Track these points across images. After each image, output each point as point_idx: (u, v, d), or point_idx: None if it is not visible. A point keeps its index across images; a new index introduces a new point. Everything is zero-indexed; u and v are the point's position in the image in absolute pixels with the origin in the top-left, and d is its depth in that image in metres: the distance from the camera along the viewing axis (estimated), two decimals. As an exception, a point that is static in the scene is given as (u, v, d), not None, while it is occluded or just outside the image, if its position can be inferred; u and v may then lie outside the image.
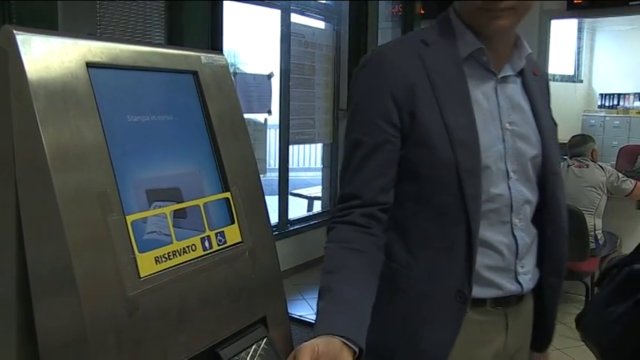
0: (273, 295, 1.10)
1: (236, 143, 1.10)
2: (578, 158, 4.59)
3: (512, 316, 1.29)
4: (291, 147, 5.39)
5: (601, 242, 4.34)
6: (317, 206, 6.01)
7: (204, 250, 0.97)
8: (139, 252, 0.87)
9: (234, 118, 1.11)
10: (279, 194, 5.25)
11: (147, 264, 0.87)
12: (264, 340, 1.04)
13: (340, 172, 1.24)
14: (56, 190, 0.79)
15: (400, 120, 1.18)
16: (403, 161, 1.21)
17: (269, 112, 5.08)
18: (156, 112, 0.98)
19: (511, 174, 1.23)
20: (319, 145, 6.27)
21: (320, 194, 6.07)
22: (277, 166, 5.35)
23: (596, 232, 4.30)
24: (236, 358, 0.98)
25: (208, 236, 0.99)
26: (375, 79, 1.19)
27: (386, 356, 1.17)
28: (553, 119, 1.36)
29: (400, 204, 1.22)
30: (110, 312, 0.82)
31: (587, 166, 4.50)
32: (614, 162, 5.54)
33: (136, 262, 0.86)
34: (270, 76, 5.02)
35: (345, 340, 0.98)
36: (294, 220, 5.41)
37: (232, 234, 1.03)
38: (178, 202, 0.96)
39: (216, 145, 1.06)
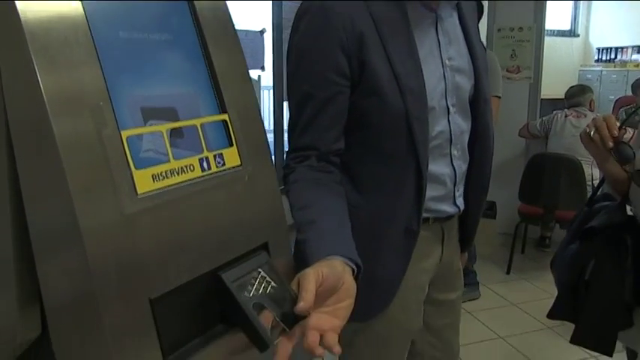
0: (275, 222, 1.08)
1: (232, 66, 1.06)
2: (576, 109, 4.56)
3: (447, 229, 1.43)
4: (286, 105, 5.32)
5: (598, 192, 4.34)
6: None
7: (202, 171, 0.94)
8: (136, 169, 0.83)
9: (229, 40, 1.07)
10: (274, 154, 5.22)
11: (144, 181, 0.84)
12: (267, 266, 1.02)
13: (289, 124, 1.25)
14: (46, 103, 0.75)
15: (350, 70, 1.18)
16: (352, 109, 1.22)
17: (262, 68, 5.01)
18: (150, 29, 0.94)
19: (451, 109, 1.30)
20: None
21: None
22: (272, 128, 5.31)
23: (594, 181, 4.29)
24: (238, 282, 0.96)
25: (207, 157, 0.95)
26: (321, 29, 1.18)
27: None
28: (482, 43, 1.40)
29: (349, 149, 1.26)
30: (108, 232, 0.79)
31: (585, 116, 4.47)
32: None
33: (132, 178, 0.83)
34: (262, 32, 4.94)
35: (345, 260, 0.98)
36: (290, 179, 5.38)
37: (231, 157, 1.00)
38: (174, 122, 0.92)
39: (212, 67, 1.02)
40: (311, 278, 0.92)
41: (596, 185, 4.25)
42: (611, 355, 1.61)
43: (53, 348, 0.82)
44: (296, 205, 1.16)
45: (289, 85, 1.24)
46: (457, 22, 1.34)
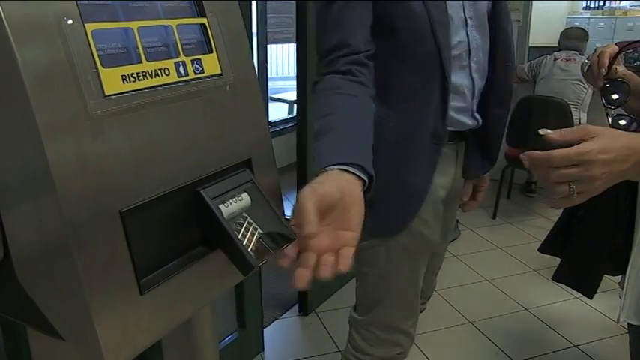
0: (258, 138, 1.00)
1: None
2: (568, 52, 4.47)
3: (460, 150, 1.46)
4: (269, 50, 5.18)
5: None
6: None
7: (178, 77, 0.85)
8: (103, 67, 0.74)
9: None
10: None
11: (112, 81, 0.75)
12: (250, 184, 0.94)
13: (317, 35, 1.25)
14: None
15: None
16: (378, 18, 1.24)
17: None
18: None
19: (469, 21, 1.33)
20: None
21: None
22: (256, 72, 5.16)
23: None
24: (219, 199, 0.88)
25: (183, 62, 0.86)
26: None
27: (373, 201, 1.13)
28: None
29: (377, 59, 1.26)
30: (71, 133, 0.70)
31: (575, 59, 4.39)
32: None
33: (99, 77, 0.74)
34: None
35: (350, 169, 0.91)
36: (275, 122, 5.30)
37: (210, 64, 0.91)
38: (147, 20, 0.83)
39: (189, -34, 0.92)
40: (307, 195, 0.82)
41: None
42: (591, 297, 1.58)
43: (14, 263, 0.75)
44: (320, 113, 1.10)
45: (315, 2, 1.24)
46: None
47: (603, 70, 1.41)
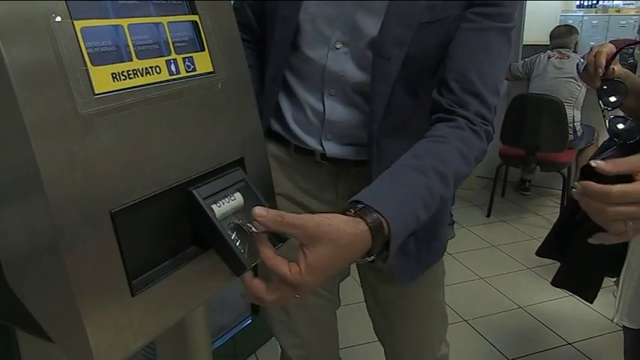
0: (251, 136, 0.98)
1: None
2: (560, 50, 4.48)
3: (341, 178, 1.34)
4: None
5: (579, 134, 4.31)
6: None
7: (170, 75, 0.84)
8: (93, 65, 0.73)
9: None
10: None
11: (102, 79, 0.74)
12: (243, 183, 0.93)
13: None
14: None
15: None
16: None
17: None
18: None
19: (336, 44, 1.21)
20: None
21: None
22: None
23: (575, 123, 4.26)
24: (211, 199, 0.87)
25: (175, 59, 0.85)
26: None
27: None
28: None
29: None
30: (60, 133, 0.69)
31: (568, 57, 4.39)
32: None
33: (89, 75, 0.72)
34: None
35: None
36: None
37: (203, 62, 0.90)
38: (138, 17, 0.82)
39: (181, -37, 0.90)
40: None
41: (576, 128, 4.22)
42: (591, 302, 1.55)
43: (2, 265, 0.73)
44: None
45: None
46: None
47: (600, 71, 1.38)
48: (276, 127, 1.30)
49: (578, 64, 1.45)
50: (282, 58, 1.21)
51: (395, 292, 1.45)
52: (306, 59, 1.19)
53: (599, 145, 4.40)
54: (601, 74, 1.38)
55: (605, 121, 1.39)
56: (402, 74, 1.10)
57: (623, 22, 5.20)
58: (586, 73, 1.45)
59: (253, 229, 0.84)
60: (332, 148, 1.25)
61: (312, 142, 1.26)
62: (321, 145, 1.25)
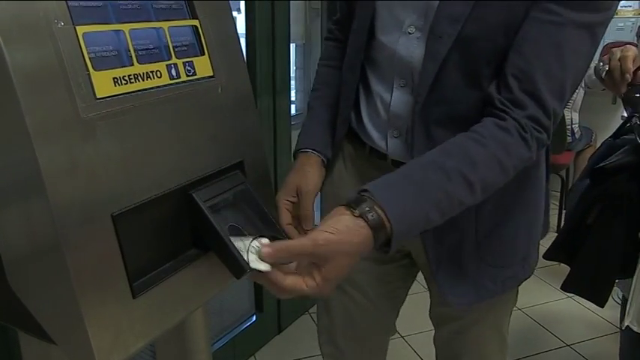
0: (250, 139, 0.99)
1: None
2: None
3: None
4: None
5: (577, 136, 4.32)
6: (292, 110, 5.88)
7: (170, 79, 0.85)
8: (94, 70, 0.74)
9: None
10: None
11: (104, 84, 0.75)
12: (243, 186, 0.94)
13: None
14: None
15: None
16: None
17: (238, 10, 4.82)
18: None
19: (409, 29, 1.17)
20: (292, 46, 6.05)
21: (294, 97, 5.91)
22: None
23: (573, 125, 4.26)
24: (211, 201, 0.88)
25: (175, 64, 0.86)
26: None
27: None
28: None
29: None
30: (63, 137, 0.70)
31: None
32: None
33: (90, 80, 0.73)
34: (238, -29, 4.74)
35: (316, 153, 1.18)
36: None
37: (203, 66, 0.91)
38: (139, 22, 0.83)
39: (181, -32, 0.91)
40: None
41: (575, 130, 4.23)
42: (602, 306, 1.50)
43: (4, 266, 0.74)
44: (313, 85, 1.29)
45: None
46: None
47: (628, 77, 1.30)
48: (353, 124, 1.20)
49: (596, 69, 1.34)
50: (358, 44, 1.11)
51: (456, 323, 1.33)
52: (380, 46, 1.10)
53: (597, 147, 4.36)
54: (629, 80, 1.30)
55: (636, 130, 1.34)
56: (455, 56, 0.99)
57: (621, 24, 5.19)
58: (610, 79, 1.35)
59: (263, 267, 0.83)
60: (396, 148, 1.13)
61: (377, 138, 1.15)
62: (386, 142, 1.14)
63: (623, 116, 3.99)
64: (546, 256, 1.61)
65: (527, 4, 0.93)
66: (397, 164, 1.08)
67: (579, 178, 1.58)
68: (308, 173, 1.14)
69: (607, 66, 1.31)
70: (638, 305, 1.36)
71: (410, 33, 1.05)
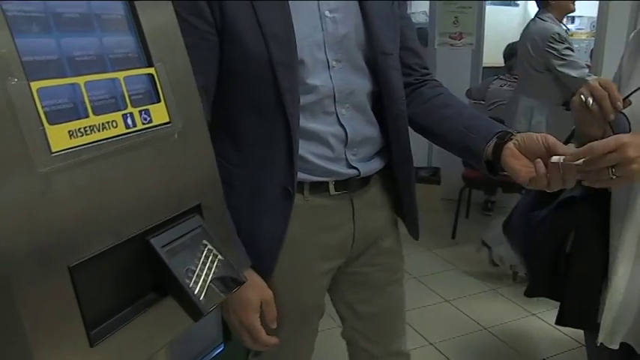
0: (208, 182, 1.01)
1: (159, 15, 0.98)
2: (505, 75, 4.61)
3: (358, 200, 1.35)
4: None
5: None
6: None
7: (126, 128, 0.86)
8: (49, 124, 0.75)
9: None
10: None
11: (59, 138, 0.76)
12: (200, 229, 0.95)
13: None
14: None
15: (212, 16, 1.15)
16: (222, 60, 1.20)
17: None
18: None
19: (333, 63, 1.23)
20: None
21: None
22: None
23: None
24: (169, 246, 0.89)
25: (131, 113, 0.88)
26: None
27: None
28: None
29: (225, 103, 1.22)
30: (18, 193, 0.71)
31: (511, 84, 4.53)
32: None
33: (45, 134, 0.75)
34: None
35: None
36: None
37: (159, 113, 0.92)
38: (94, 74, 0.84)
39: (137, 17, 0.93)
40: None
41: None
42: (597, 331, 1.46)
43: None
44: None
45: None
46: None
47: (620, 105, 1.28)
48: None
49: (579, 103, 1.30)
50: (294, 103, 1.21)
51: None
52: (312, 89, 1.23)
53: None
54: (621, 108, 1.29)
55: None
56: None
57: (576, 45, 5.36)
58: (600, 110, 1.31)
59: None
60: (362, 166, 1.33)
61: (340, 168, 1.30)
62: (351, 167, 1.31)
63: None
64: (529, 294, 1.59)
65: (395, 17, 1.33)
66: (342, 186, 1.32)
67: (527, 206, 1.56)
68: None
69: (591, 98, 1.31)
70: (608, 322, 1.38)
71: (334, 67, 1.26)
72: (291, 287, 1.33)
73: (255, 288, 1.22)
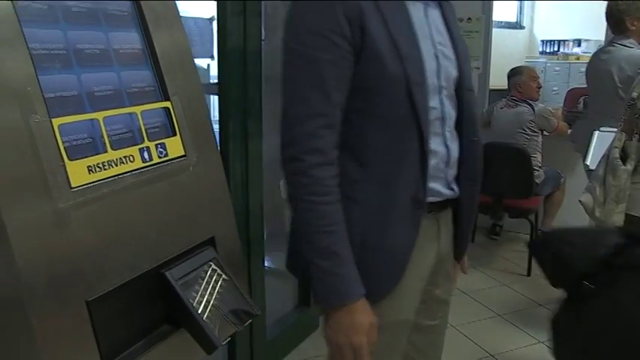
0: (222, 214, 1.02)
1: (176, 53, 1.00)
2: (511, 97, 4.61)
3: (443, 222, 1.38)
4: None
5: (538, 181, 4.38)
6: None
7: (143, 162, 0.88)
8: (69, 160, 0.77)
9: (173, 26, 1.01)
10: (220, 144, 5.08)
11: (78, 173, 0.78)
12: (214, 262, 0.96)
13: (286, 90, 1.13)
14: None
15: (352, 35, 1.19)
16: (354, 77, 1.22)
17: (212, 57, 4.88)
18: (87, 19, 0.87)
19: (442, 89, 1.32)
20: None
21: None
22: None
23: (541, 168, 4.35)
24: (183, 279, 0.90)
25: (148, 147, 0.89)
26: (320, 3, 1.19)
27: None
28: (463, 39, 1.45)
29: (349, 120, 1.23)
30: (38, 228, 0.72)
31: (516, 106, 4.51)
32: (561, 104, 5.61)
33: (65, 170, 0.76)
34: (211, 19, 4.82)
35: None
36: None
37: (174, 146, 0.94)
38: (113, 109, 0.86)
39: (154, 53, 0.95)
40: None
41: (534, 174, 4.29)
42: None
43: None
44: (320, 226, 1.13)
45: (286, 52, 1.15)
46: (441, 16, 1.37)
47: None
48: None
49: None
50: (427, 119, 1.27)
51: None
52: (430, 109, 1.28)
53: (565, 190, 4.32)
54: None
55: None
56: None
57: (583, 69, 5.38)
58: None
59: None
60: (456, 188, 1.35)
61: (441, 188, 1.32)
62: (450, 188, 1.34)
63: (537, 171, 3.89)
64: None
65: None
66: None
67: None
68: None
69: None
70: None
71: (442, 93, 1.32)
72: (405, 301, 1.35)
73: (366, 312, 1.22)
